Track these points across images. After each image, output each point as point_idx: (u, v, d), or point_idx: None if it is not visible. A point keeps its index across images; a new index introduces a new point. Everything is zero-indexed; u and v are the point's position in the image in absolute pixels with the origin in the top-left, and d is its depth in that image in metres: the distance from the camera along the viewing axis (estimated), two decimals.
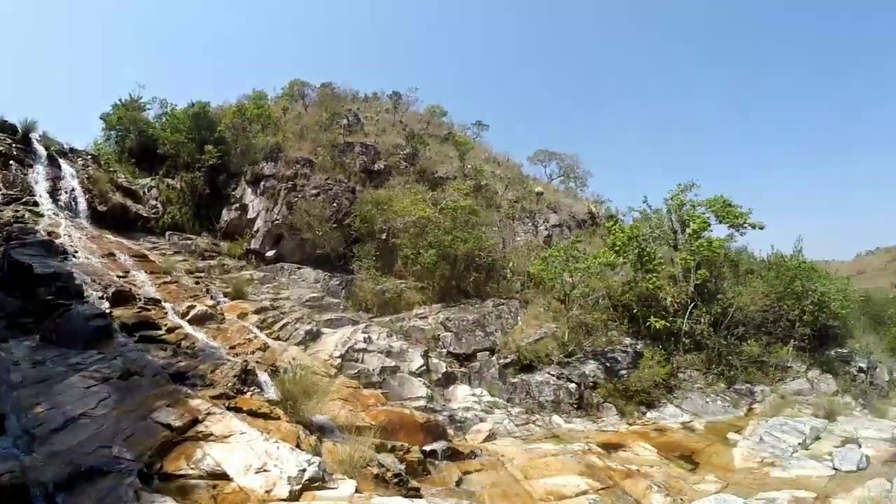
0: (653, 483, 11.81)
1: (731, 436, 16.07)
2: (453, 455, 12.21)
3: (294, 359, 13.55)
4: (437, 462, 11.65)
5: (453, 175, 28.65)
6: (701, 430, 17.08)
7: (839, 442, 15.47)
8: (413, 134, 30.02)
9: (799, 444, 15.12)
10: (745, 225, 24.11)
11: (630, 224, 25.90)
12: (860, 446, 14.77)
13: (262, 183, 24.01)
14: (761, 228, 24.27)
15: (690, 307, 22.43)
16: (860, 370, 23.94)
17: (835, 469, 13.09)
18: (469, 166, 29.54)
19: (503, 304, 21.92)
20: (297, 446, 7.70)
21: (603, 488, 11.28)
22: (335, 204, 23.22)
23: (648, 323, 21.45)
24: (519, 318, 21.54)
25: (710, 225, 23.87)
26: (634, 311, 22.67)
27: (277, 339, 15.74)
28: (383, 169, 26.70)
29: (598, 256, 22.26)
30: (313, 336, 16.79)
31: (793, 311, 23.95)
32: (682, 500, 11.19)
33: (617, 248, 23.05)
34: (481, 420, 15.77)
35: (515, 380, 18.55)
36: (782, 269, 25.51)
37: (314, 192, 23.35)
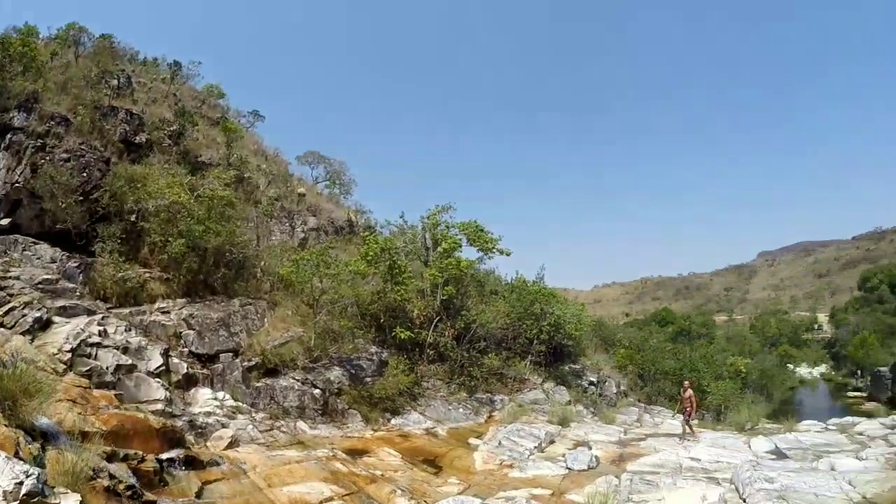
0: (397, 487, 12.28)
1: (473, 441, 17.19)
2: (193, 464, 11.61)
3: (17, 350, 11.79)
4: (175, 471, 11.04)
5: (217, 162, 26.94)
6: (444, 436, 18.01)
7: (572, 445, 17.19)
8: (184, 111, 27.69)
9: (535, 447, 16.53)
10: (494, 250, 26.20)
11: (385, 236, 26.69)
12: (591, 448, 16.51)
13: (9, 136, 20.00)
14: (508, 255, 26.83)
15: (436, 321, 23.71)
16: (591, 383, 27.05)
17: (568, 468, 14.60)
18: (235, 155, 27.99)
19: (250, 304, 21.14)
20: (16, 455, 6.64)
21: (347, 494, 11.48)
22: (85, 173, 20.26)
23: (395, 333, 22.14)
24: (266, 319, 20.95)
25: (460, 246, 25.56)
26: (382, 320, 23.42)
27: (0, 325, 13.85)
28: (145, 143, 23.99)
29: (349, 264, 22.45)
30: (43, 325, 14.90)
31: (531, 330, 26.44)
32: (425, 502, 11.78)
33: (369, 258, 23.53)
34: (223, 426, 15.12)
35: (260, 384, 18.09)
36: (524, 293, 28.12)
37: (65, 156, 20.18)
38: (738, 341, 73.18)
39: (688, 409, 18.38)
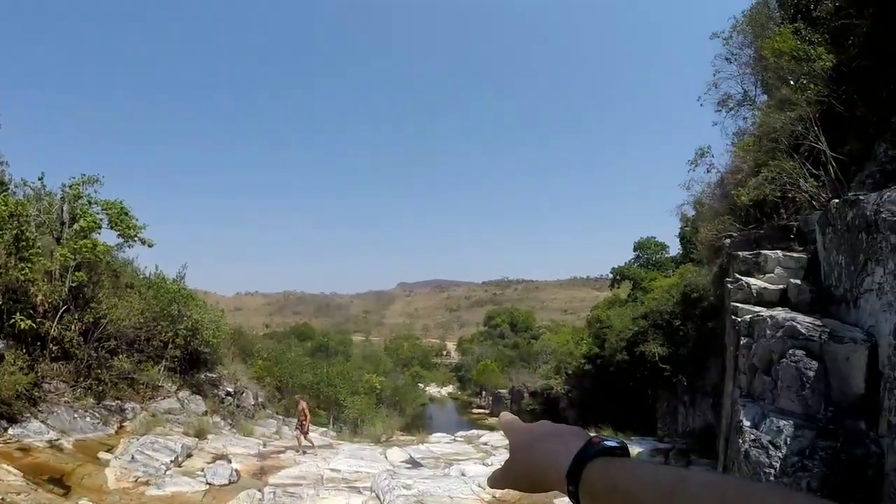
0: None
1: (103, 455, 15.62)
2: None
3: None
4: None
5: None
6: (70, 449, 16.02)
7: (211, 458, 16.64)
8: None
9: (171, 461, 15.70)
10: (136, 238, 24.17)
11: (18, 199, 23.16)
12: (230, 462, 16.19)
13: None
14: (151, 246, 24.80)
15: (62, 310, 21.02)
16: (228, 394, 26.23)
17: (209, 484, 14.12)
18: None
19: None
20: None
21: None
22: None
23: (14, 320, 19.30)
24: None
25: (101, 227, 23.02)
26: (0, 303, 20.20)
27: None
28: None
29: None
30: None
31: (167, 333, 24.74)
32: None
33: None
34: None
35: None
36: (162, 291, 26.23)
37: None
38: (373, 360, 77.53)
39: (303, 421, 19.15)
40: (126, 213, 23.73)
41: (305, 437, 19.20)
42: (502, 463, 1.00)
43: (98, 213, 23.16)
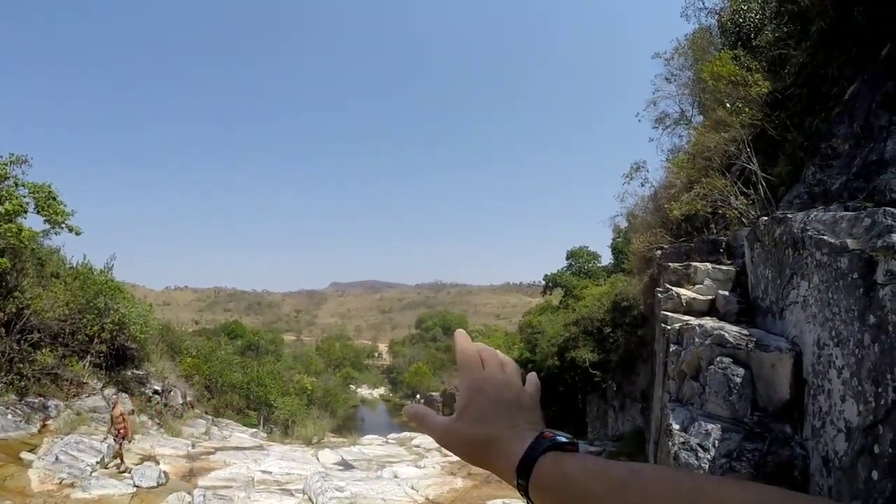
0: None
1: (26, 455, 15.03)
2: None
3: None
4: None
5: None
6: None
7: (138, 460, 16.26)
8: None
9: (97, 462, 15.27)
10: (64, 225, 23.16)
11: None
12: (158, 463, 15.88)
13: None
14: (78, 234, 23.77)
15: None
16: (155, 392, 25.54)
17: (136, 486, 13.81)
18: None
19: None
20: None
21: None
22: None
23: None
24: None
25: (27, 211, 21.95)
26: None
27: None
28: None
29: None
30: None
31: (93, 327, 23.81)
32: None
33: None
34: None
35: None
36: (88, 282, 25.29)
37: None
38: (304, 360, 77.03)
39: (121, 430, 15.35)
40: (54, 198, 22.48)
41: (121, 448, 15.61)
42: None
43: (24, 196, 21.98)
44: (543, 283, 53.63)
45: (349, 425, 42.63)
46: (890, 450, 4.37)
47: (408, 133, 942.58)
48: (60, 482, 13.53)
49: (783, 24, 12.63)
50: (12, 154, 22.23)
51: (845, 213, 6.31)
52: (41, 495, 12.78)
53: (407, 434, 23.91)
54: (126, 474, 14.72)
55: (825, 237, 6.07)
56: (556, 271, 51.00)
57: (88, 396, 21.91)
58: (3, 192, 21.60)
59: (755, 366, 7.09)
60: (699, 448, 6.82)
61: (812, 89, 10.66)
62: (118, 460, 15.60)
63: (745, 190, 11.07)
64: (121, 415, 15.59)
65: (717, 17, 18.39)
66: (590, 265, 48.82)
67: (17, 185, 21.97)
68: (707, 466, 6.65)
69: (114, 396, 17.86)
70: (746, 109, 11.43)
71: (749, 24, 14.62)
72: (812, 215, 6.69)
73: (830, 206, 7.38)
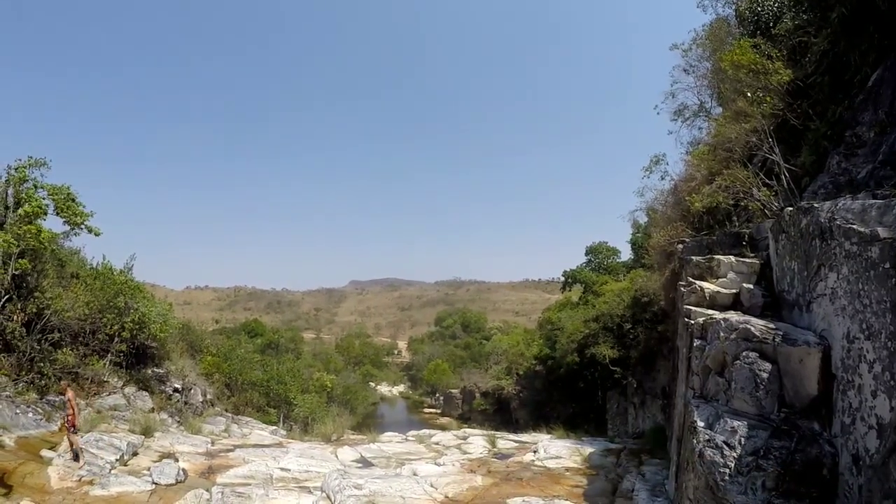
0: None
1: (46, 453, 15.07)
2: None
3: None
4: None
5: None
6: (12, 447, 15.35)
7: (157, 457, 16.27)
8: None
9: (117, 459, 15.32)
10: (83, 226, 23.37)
11: None
12: (177, 461, 15.86)
13: None
14: (97, 235, 24.03)
15: (4, 300, 20.26)
16: (175, 390, 25.66)
17: (155, 483, 13.78)
18: None
19: None
20: None
21: None
22: None
23: None
24: None
25: (46, 213, 22.16)
26: None
27: None
28: None
29: None
30: None
31: (113, 326, 23.95)
32: None
33: None
34: None
35: None
36: (108, 282, 25.43)
37: None
38: (324, 358, 77.28)
39: (69, 417, 14.44)
40: (73, 200, 22.78)
41: (73, 439, 14.72)
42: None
43: (44, 199, 22.19)
44: (563, 279, 53.38)
45: (369, 423, 42.66)
46: None
47: (427, 130, 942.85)
48: (80, 479, 13.54)
49: (802, 11, 12.41)
50: (31, 157, 22.49)
51: (874, 201, 6.11)
52: (60, 492, 12.83)
53: (426, 431, 23.77)
54: (81, 471, 14.02)
55: (854, 226, 5.87)
56: (575, 267, 50.76)
57: (109, 395, 22.03)
58: (23, 195, 21.85)
59: (782, 360, 6.89)
60: (725, 446, 6.64)
61: (834, 77, 10.43)
62: (70, 452, 14.79)
63: (767, 181, 10.86)
64: (70, 401, 14.55)
65: (734, 6, 18.12)
66: (609, 261, 48.55)
67: (36, 187, 22.24)
68: (733, 465, 6.47)
69: (62, 382, 17.39)
70: (767, 99, 11.20)
71: (768, 13, 14.36)
72: (840, 204, 6.49)
73: (858, 194, 7.17)
